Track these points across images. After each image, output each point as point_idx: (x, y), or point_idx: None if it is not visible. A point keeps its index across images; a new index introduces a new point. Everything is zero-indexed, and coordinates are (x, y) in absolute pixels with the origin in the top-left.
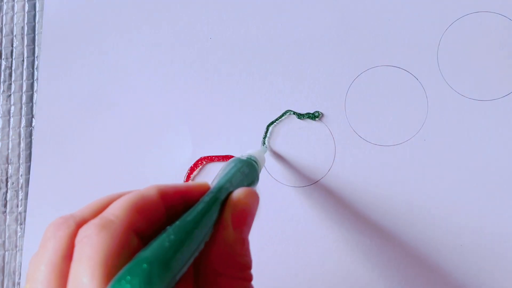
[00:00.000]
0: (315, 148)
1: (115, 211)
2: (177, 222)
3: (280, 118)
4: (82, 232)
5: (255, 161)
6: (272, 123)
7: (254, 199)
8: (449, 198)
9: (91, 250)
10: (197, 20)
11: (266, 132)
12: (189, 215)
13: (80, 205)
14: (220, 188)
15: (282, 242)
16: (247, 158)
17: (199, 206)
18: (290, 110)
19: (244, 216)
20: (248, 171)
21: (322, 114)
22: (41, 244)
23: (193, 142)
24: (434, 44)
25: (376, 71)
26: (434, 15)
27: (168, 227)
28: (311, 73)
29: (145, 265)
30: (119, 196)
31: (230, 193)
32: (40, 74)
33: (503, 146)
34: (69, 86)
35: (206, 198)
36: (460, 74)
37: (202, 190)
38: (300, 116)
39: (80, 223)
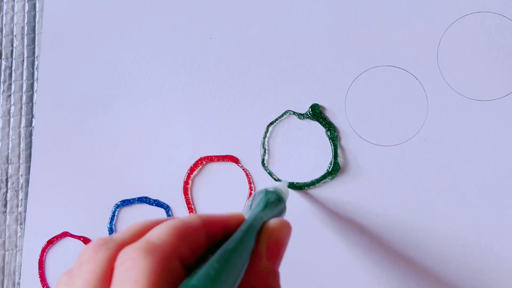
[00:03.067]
0: (315, 148)
1: (160, 235)
2: (220, 251)
3: (280, 118)
4: (125, 255)
5: (281, 192)
6: (272, 123)
7: (287, 229)
8: (449, 198)
9: (136, 273)
10: (197, 20)
11: (266, 132)
12: (230, 244)
13: (80, 205)
14: (255, 218)
15: None
16: (274, 189)
17: (237, 235)
18: (290, 110)
19: (278, 247)
20: (277, 202)
21: (323, 108)
22: (76, 265)
23: (193, 142)
24: (434, 44)
25: (376, 71)
26: (434, 15)
27: (210, 255)
28: (311, 73)
29: None
30: (158, 222)
31: (264, 223)
32: (40, 74)
33: (503, 146)
34: (69, 86)
35: (243, 227)
36: (460, 74)
37: (239, 220)
38: (300, 116)
39: (120, 246)
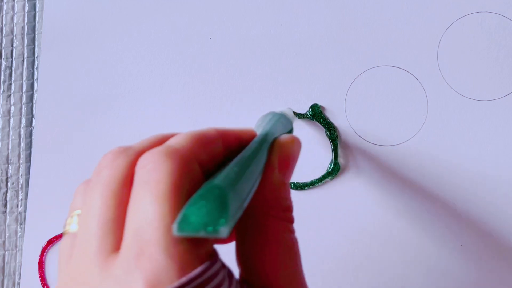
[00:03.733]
0: (315, 149)
1: (179, 141)
2: (237, 158)
3: None
4: (146, 158)
5: (288, 115)
6: None
7: (298, 144)
8: (449, 197)
9: (158, 174)
10: (197, 20)
11: None
12: (246, 152)
13: None
14: (267, 133)
15: None
16: (281, 112)
17: (252, 145)
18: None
19: (289, 160)
20: (285, 122)
21: (323, 108)
22: (95, 172)
23: None
24: (434, 44)
25: (376, 71)
26: (434, 15)
27: (228, 161)
28: (311, 73)
29: (217, 191)
30: (175, 133)
31: (275, 139)
32: (40, 74)
33: (503, 146)
34: (69, 86)
35: (257, 139)
36: (460, 74)
37: (251, 134)
38: (300, 116)
39: (139, 153)
